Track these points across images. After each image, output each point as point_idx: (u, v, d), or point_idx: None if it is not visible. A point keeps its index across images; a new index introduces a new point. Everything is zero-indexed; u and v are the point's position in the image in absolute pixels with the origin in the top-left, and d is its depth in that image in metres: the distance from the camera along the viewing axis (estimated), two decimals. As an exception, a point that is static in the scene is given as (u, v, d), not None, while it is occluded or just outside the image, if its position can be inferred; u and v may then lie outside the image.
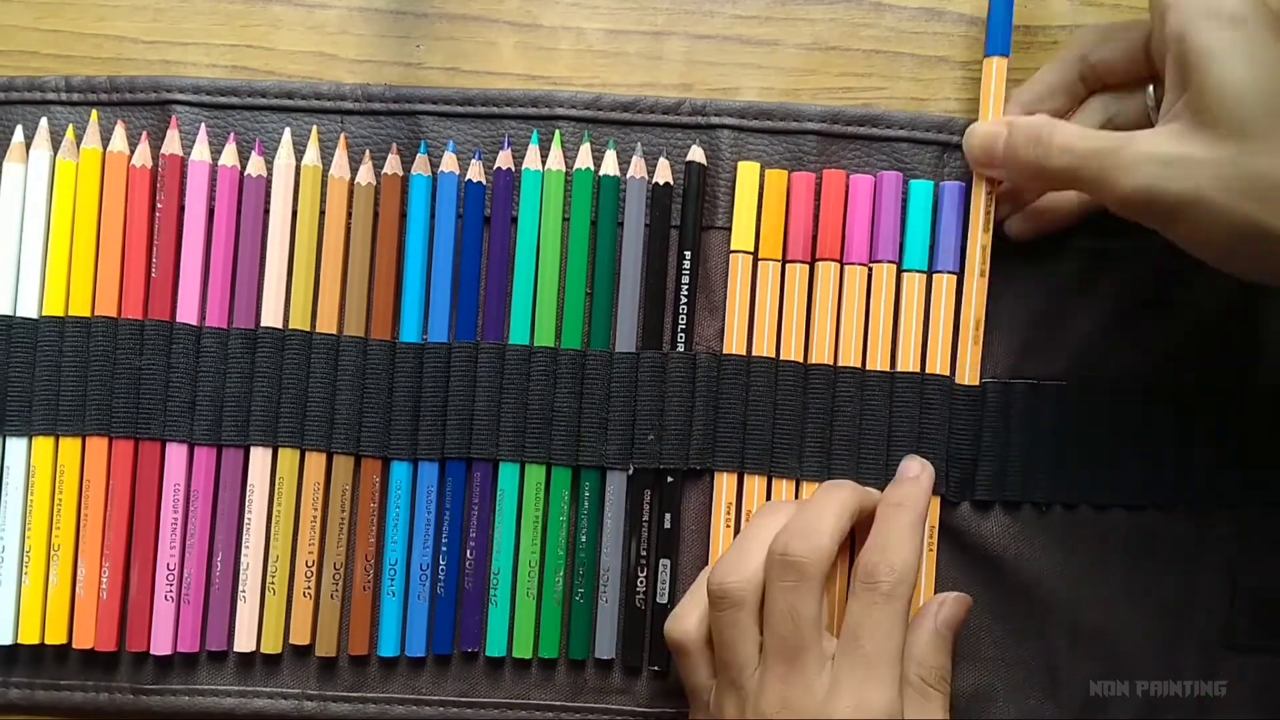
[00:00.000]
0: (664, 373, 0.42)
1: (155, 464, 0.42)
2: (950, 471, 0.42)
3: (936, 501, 0.42)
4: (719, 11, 0.45)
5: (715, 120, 0.43)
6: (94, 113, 0.43)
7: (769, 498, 0.42)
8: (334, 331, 0.42)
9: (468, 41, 0.45)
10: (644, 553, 0.42)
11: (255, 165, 0.43)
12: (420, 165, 0.43)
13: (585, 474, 0.42)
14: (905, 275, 0.42)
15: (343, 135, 0.43)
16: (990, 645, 0.42)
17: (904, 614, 0.35)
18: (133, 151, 0.43)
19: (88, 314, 0.42)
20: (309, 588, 0.42)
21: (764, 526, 0.38)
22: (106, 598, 0.41)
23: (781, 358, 0.42)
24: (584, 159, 0.43)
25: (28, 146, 0.43)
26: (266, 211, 0.43)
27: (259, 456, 0.42)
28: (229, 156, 0.43)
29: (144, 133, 0.43)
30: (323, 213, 0.43)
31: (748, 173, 0.43)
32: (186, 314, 0.42)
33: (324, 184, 0.43)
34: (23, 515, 0.42)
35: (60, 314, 0.42)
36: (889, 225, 0.42)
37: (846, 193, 0.43)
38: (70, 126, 0.43)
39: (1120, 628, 0.42)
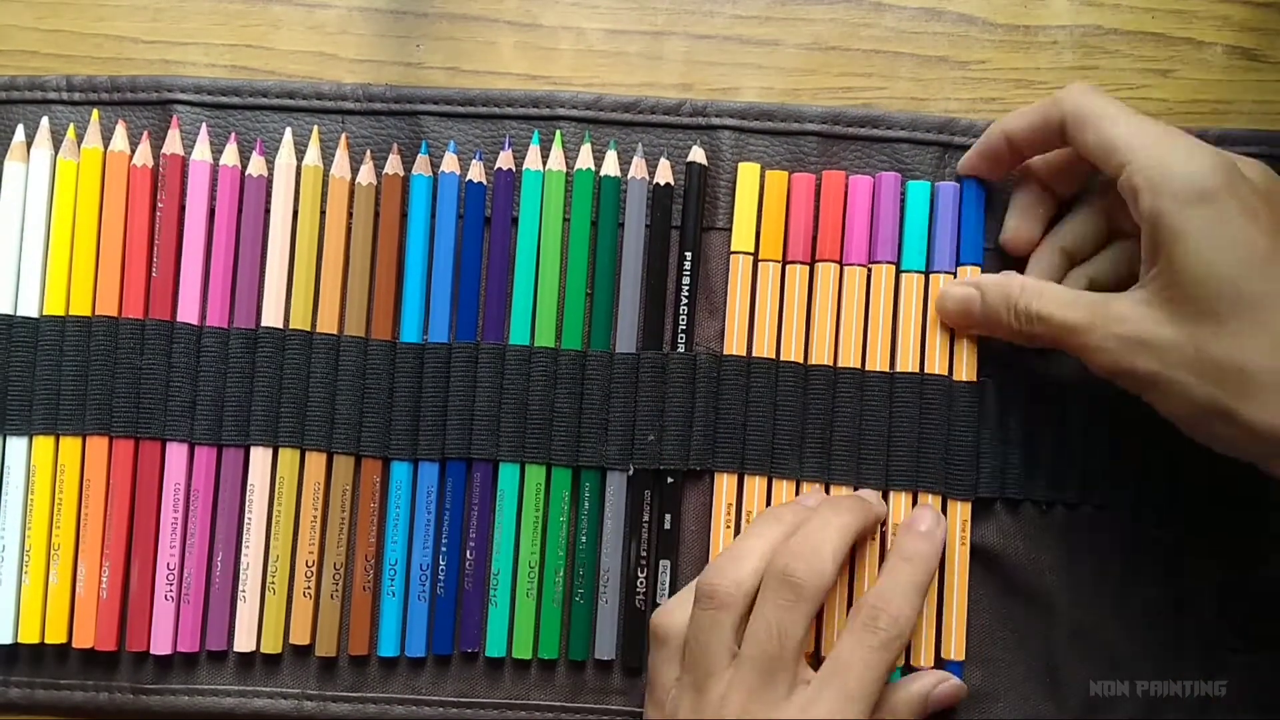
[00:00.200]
0: (664, 373, 0.42)
1: (155, 463, 0.42)
2: (951, 470, 0.42)
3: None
4: (719, 11, 0.45)
5: (716, 121, 0.43)
6: (95, 112, 0.43)
7: (769, 498, 0.42)
8: (334, 331, 0.42)
9: (468, 41, 0.45)
10: (644, 553, 0.42)
11: (256, 165, 0.43)
12: (421, 165, 0.43)
13: (585, 474, 0.42)
14: (904, 276, 0.42)
15: (344, 135, 0.43)
16: (990, 645, 0.42)
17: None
18: (134, 151, 0.43)
19: (88, 313, 0.42)
20: (309, 588, 0.42)
21: (763, 535, 0.38)
22: (106, 597, 0.41)
23: (781, 358, 0.42)
24: (585, 159, 0.43)
25: (29, 146, 0.43)
26: (267, 211, 0.43)
27: (259, 456, 0.42)
28: (230, 156, 0.43)
29: (145, 132, 0.43)
30: (324, 213, 0.43)
31: (748, 173, 0.43)
32: (187, 314, 0.42)
33: (325, 184, 0.43)
34: (23, 514, 0.42)
35: (61, 313, 0.42)
36: (888, 226, 0.42)
37: (846, 194, 0.43)
38: (71, 126, 0.43)
39: (1120, 627, 0.42)
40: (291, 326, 0.42)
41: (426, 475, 0.42)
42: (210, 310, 0.42)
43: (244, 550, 0.42)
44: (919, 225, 0.42)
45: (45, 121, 0.43)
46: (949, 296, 0.41)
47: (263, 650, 0.42)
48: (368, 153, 0.43)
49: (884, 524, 0.42)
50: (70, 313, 0.42)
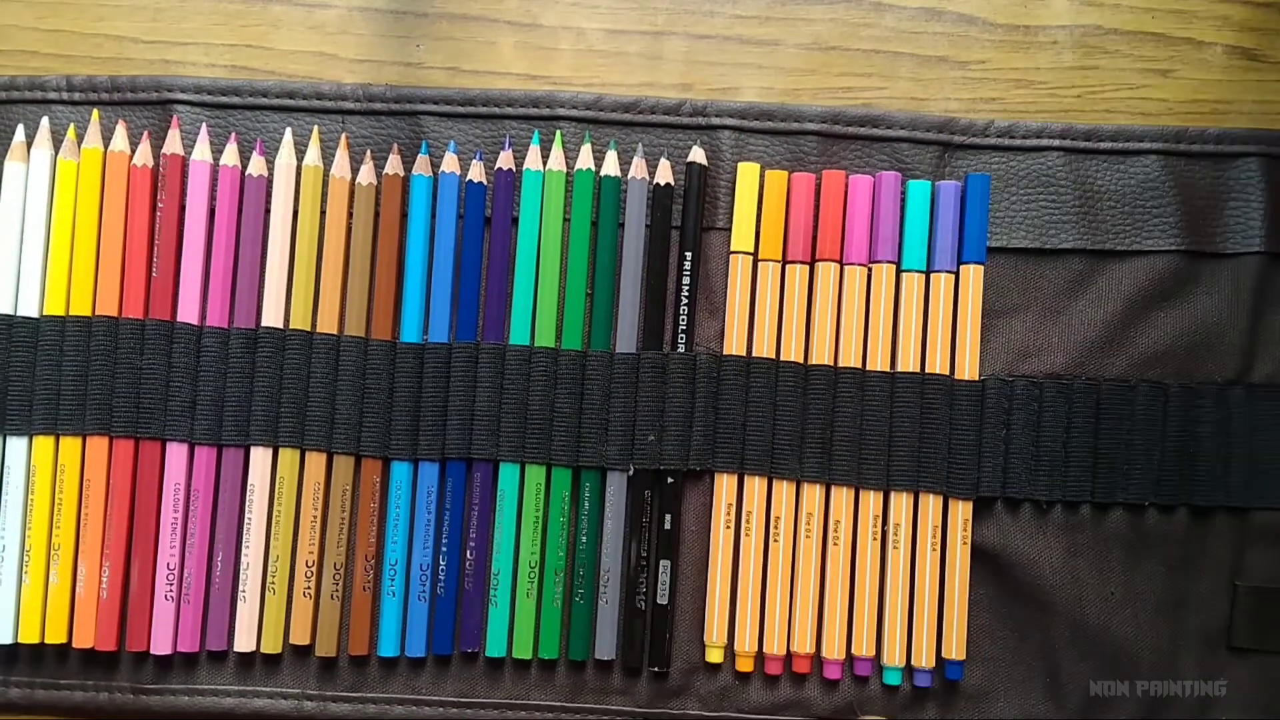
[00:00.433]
0: (664, 373, 0.42)
1: (155, 463, 0.42)
2: (952, 470, 0.42)
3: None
4: (719, 11, 0.45)
5: (716, 121, 0.43)
6: (95, 112, 0.43)
7: (769, 498, 0.42)
8: (334, 331, 0.42)
9: (468, 41, 0.45)
10: (644, 553, 0.42)
11: (256, 165, 0.43)
12: (421, 165, 0.43)
13: (585, 475, 0.42)
14: (904, 275, 0.42)
15: (344, 135, 0.43)
16: (990, 645, 0.42)
17: None
18: (134, 151, 0.43)
19: (89, 313, 0.42)
20: (309, 588, 0.42)
21: None
22: (106, 597, 0.41)
23: (782, 358, 0.42)
24: (585, 159, 0.43)
25: (29, 146, 0.43)
26: (267, 211, 0.43)
27: (259, 456, 0.42)
28: (230, 156, 0.43)
29: (145, 132, 0.43)
30: (324, 213, 0.43)
31: (748, 173, 0.43)
32: (187, 314, 0.42)
33: (325, 184, 0.43)
34: (23, 514, 0.42)
35: (61, 313, 0.42)
36: (888, 225, 0.42)
37: (846, 193, 0.43)
38: (71, 126, 0.43)
39: (1120, 627, 0.42)
40: (291, 326, 0.42)
41: (426, 475, 0.42)
42: (210, 310, 0.42)
43: (244, 550, 0.42)
44: (919, 225, 0.42)
45: (45, 121, 0.43)
46: None
47: (263, 650, 0.42)
48: (368, 153, 0.43)
49: (884, 524, 0.42)
50: (70, 313, 0.42)
